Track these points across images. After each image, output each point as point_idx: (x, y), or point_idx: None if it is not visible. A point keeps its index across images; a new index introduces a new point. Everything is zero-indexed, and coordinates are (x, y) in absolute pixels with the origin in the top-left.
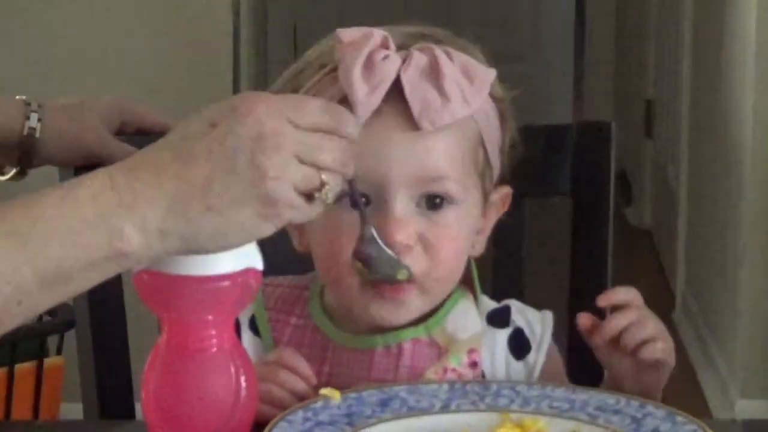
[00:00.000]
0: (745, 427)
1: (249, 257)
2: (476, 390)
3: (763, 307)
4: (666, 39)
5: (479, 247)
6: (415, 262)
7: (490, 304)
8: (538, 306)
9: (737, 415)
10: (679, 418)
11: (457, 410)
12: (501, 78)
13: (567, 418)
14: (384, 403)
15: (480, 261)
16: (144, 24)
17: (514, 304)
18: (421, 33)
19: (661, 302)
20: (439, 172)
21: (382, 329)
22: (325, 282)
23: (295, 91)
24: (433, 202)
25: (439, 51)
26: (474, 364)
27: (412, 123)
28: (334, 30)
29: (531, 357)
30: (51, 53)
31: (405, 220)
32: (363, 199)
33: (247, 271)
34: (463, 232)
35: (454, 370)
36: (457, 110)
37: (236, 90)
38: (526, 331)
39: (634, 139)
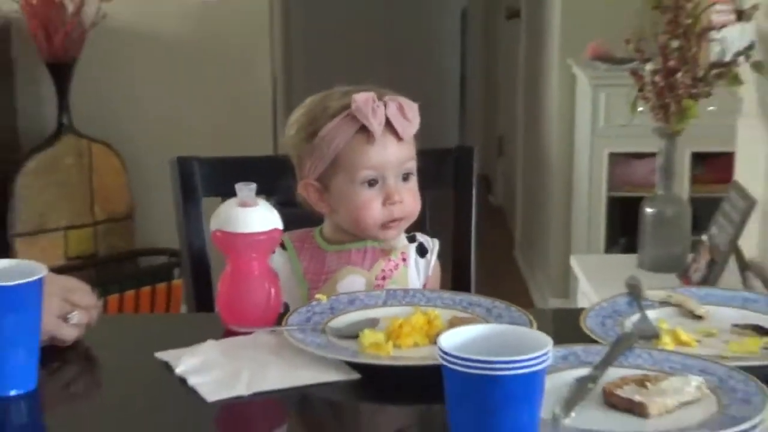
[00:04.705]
0: (549, 314)
1: (274, 221)
2: (401, 294)
3: (561, 243)
4: (510, 95)
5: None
6: (407, 211)
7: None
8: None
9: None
10: (513, 309)
11: (390, 305)
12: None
13: (451, 309)
14: (350, 302)
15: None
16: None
17: (418, 234)
18: (380, 91)
19: (506, 245)
20: (409, 157)
21: (355, 241)
22: (353, 226)
23: (316, 130)
24: (406, 176)
25: (398, 99)
26: (404, 259)
27: (397, 137)
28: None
29: (428, 256)
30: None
31: (398, 189)
32: (368, 182)
33: (274, 230)
34: (417, 187)
35: (393, 261)
36: (415, 126)
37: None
38: (425, 243)
39: (493, 156)
